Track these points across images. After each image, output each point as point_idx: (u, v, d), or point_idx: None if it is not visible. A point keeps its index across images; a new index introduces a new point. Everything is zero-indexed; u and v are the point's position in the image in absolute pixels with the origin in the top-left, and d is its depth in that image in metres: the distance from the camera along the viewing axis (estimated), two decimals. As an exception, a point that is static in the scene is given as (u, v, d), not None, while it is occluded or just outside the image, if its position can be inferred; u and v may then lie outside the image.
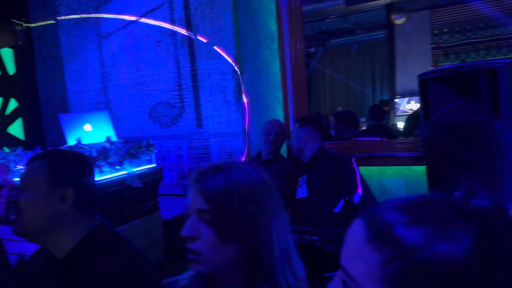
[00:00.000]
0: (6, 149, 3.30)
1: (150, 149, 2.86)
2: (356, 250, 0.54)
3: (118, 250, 1.18)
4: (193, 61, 3.39)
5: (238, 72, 3.19)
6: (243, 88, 3.20)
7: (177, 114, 3.52)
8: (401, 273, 0.49)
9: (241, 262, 0.86)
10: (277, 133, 2.72)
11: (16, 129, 4.42)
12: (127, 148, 2.64)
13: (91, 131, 2.86)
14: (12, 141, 4.33)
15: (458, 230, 0.49)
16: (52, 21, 4.15)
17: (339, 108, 6.58)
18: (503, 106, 1.79)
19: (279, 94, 3.10)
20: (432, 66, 6.20)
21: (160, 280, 1.02)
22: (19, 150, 3.24)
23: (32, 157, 1.24)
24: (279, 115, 3.11)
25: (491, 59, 5.55)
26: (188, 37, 3.40)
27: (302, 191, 2.49)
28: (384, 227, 0.52)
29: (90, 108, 4.03)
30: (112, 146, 2.66)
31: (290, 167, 2.70)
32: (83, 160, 1.26)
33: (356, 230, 0.55)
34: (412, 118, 4.33)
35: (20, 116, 4.37)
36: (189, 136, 3.49)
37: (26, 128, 4.35)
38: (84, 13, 3.96)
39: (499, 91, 1.79)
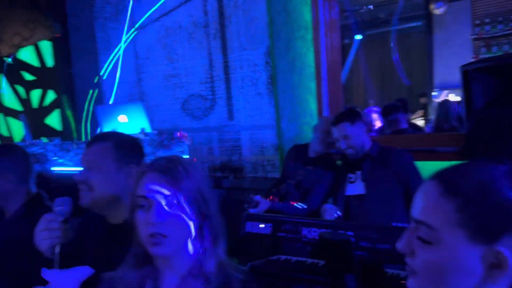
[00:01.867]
0: (44, 139, 3.41)
1: (183, 140, 2.87)
2: (433, 204, 0.66)
3: None
4: (225, 52, 3.38)
5: (271, 64, 3.15)
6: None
7: (209, 106, 3.52)
8: (473, 215, 0.63)
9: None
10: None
11: (54, 120, 4.57)
12: (160, 139, 2.66)
13: (126, 123, 2.91)
14: (50, 132, 4.49)
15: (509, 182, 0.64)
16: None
17: (371, 102, 6.41)
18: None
19: (313, 86, 3.03)
20: (473, 57, 5.93)
21: None
22: (57, 140, 3.34)
23: (92, 140, 1.41)
24: (312, 107, 3.05)
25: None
26: (221, 29, 3.39)
27: (356, 188, 2.37)
28: (455, 183, 0.66)
29: (124, 100, 4.10)
30: (147, 137, 2.69)
31: (335, 166, 2.58)
32: (139, 141, 1.45)
33: (430, 188, 0.68)
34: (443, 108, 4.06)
35: (58, 108, 4.52)
36: (220, 128, 3.49)
37: (63, 119, 4.49)
38: (119, 5, 4.01)
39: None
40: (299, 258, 2.01)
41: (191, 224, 0.95)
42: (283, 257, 1.99)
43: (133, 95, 4.06)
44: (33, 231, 1.33)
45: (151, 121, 3.85)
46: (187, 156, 2.92)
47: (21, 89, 4.82)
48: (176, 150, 2.81)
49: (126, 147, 1.37)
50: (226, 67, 3.38)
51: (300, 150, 2.70)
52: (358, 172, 2.34)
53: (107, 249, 1.30)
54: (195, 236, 0.97)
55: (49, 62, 4.54)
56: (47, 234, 1.19)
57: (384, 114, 3.60)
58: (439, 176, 0.69)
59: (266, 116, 3.22)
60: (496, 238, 0.62)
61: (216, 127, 3.51)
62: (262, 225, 2.08)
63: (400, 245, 0.71)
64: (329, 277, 1.75)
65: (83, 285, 1.06)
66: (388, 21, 6.58)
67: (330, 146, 2.49)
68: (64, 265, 1.21)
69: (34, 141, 3.29)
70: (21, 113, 4.62)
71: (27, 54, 4.68)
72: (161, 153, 2.67)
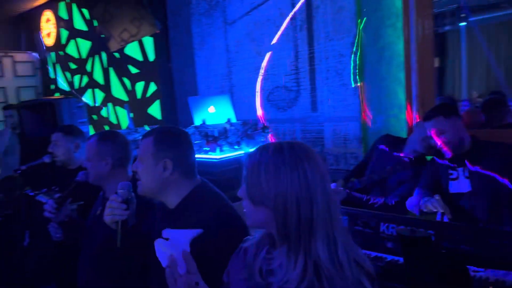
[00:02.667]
0: (147, 127, 3.76)
1: (266, 131, 2.96)
2: None
3: (215, 203, 1.50)
4: (311, 44, 3.37)
5: (358, 54, 3.07)
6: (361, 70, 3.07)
7: (293, 97, 3.56)
8: None
9: (270, 224, 1.04)
10: None
11: (155, 109, 5.00)
12: (244, 129, 2.78)
13: (214, 113, 3.08)
14: (151, 120, 4.92)
15: None
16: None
17: (474, 93, 5.86)
18: None
19: (402, 76, 2.90)
20: None
21: (246, 233, 1.32)
22: (156, 128, 3.65)
23: (145, 133, 1.58)
24: (401, 98, 2.92)
25: None
26: (308, 20, 3.38)
27: (459, 185, 2.21)
28: None
29: (216, 92, 4.32)
30: (232, 127, 2.83)
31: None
32: (179, 136, 1.57)
33: None
34: None
35: (158, 98, 4.92)
36: (303, 119, 3.51)
37: (163, 109, 4.88)
38: (212, 1, 4.23)
39: None
40: (379, 254, 1.96)
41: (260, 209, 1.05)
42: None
43: (223, 88, 4.26)
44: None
45: (239, 112, 4.02)
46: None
47: (127, 81, 5.35)
48: (259, 140, 2.91)
49: (163, 142, 1.51)
50: (311, 58, 3.38)
51: (391, 142, 2.54)
52: (460, 169, 2.16)
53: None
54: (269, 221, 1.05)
55: (151, 56, 4.95)
56: (109, 211, 1.43)
57: (485, 108, 3.29)
58: None
59: (351, 108, 3.16)
60: None
61: (300, 119, 3.54)
62: (338, 217, 2.07)
63: None
64: (408, 276, 1.70)
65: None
66: (497, 5, 5.92)
67: (430, 147, 2.28)
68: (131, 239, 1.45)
69: (136, 128, 3.65)
70: (126, 102, 5.13)
71: (132, 49, 5.17)
72: (245, 143, 2.79)
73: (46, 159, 3.00)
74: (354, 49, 3.08)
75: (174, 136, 1.55)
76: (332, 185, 2.36)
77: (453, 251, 1.67)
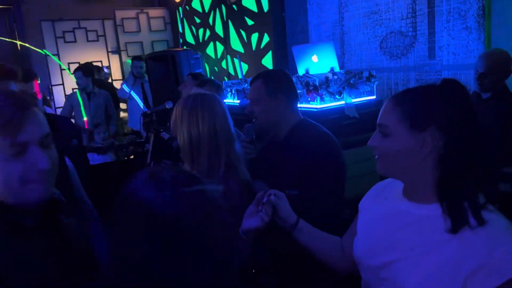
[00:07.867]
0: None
1: (371, 80, 2.82)
2: (389, 111, 1.05)
3: (317, 132, 1.79)
4: (431, -17, 3.01)
5: (485, -9, 2.66)
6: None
7: (408, 44, 3.27)
8: (410, 115, 1.02)
9: None
10: None
11: (268, 61, 5.10)
12: (346, 78, 2.69)
13: (318, 62, 3.04)
14: (264, 71, 5.04)
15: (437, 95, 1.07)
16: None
17: None
18: None
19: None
20: None
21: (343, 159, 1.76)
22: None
23: (252, 79, 1.86)
24: (538, 42, 2.47)
25: None
26: (429, -45, 3.00)
27: None
28: (401, 98, 1.06)
29: (326, 41, 4.20)
30: (334, 77, 2.77)
31: None
32: (281, 73, 1.86)
33: (388, 104, 1.07)
34: None
35: (270, 49, 4.99)
36: (419, 68, 3.22)
37: (274, 60, 4.95)
38: None
39: None
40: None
41: None
42: None
43: (334, 35, 4.12)
44: None
45: (349, 61, 3.88)
46: (374, 97, 2.86)
47: (243, 33, 5.51)
48: (363, 89, 2.80)
49: (271, 80, 1.77)
50: (430, 0, 3.03)
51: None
52: None
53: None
54: None
55: (266, 7, 4.99)
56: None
57: None
58: (393, 96, 1.07)
59: (474, 54, 2.79)
60: (424, 129, 0.98)
61: (415, 67, 3.26)
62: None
63: (370, 142, 1.08)
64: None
65: None
66: None
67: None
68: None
69: (246, 79, 3.81)
70: (239, 54, 5.33)
71: (248, 1, 5.26)
72: (347, 92, 2.71)
73: (168, 105, 3.37)
74: (483, -15, 2.66)
75: (277, 74, 1.83)
76: None
77: None
